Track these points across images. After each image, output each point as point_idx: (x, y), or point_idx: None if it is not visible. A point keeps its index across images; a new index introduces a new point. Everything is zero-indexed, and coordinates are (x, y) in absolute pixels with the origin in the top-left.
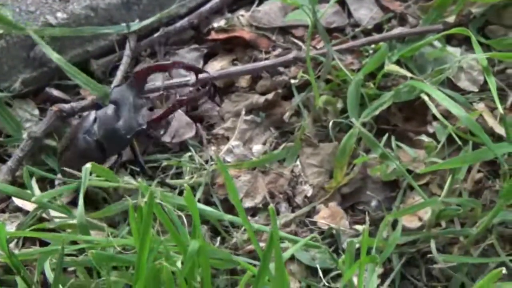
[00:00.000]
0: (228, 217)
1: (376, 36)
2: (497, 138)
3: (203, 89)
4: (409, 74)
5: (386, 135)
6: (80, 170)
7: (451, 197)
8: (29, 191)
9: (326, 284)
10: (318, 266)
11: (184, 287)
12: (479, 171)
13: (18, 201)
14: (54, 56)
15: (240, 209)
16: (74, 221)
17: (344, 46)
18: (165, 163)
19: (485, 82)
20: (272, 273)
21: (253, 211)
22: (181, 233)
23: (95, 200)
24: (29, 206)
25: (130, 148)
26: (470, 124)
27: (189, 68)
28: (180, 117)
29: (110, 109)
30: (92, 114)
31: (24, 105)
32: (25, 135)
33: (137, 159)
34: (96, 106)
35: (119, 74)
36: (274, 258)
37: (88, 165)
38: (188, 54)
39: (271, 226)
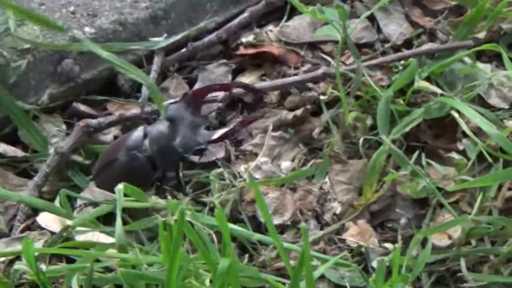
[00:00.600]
0: (258, 236)
1: (406, 52)
2: None
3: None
4: (439, 91)
5: (416, 152)
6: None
7: (481, 215)
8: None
9: None
10: (347, 285)
11: None
12: (509, 189)
13: (42, 222)
14: (105, 54)
15: (271, 227)
16: (100, 239)
17: (373, 62)
18: (194, 180)
19: None
20: None
21: (281, 228)
22: (211, 251)
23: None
24: (53, 226)
25: None
26: (502, 141)
27: (248, 88)
28: None
29: (163, 126)
30: (140, 131)
31: (51, 120)
32: (51, 151)
33: (178, 177)
34: (144, 118)
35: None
36: (304, 277)
37: (121, 186)
38: (217, 69)
39: (301, 244)
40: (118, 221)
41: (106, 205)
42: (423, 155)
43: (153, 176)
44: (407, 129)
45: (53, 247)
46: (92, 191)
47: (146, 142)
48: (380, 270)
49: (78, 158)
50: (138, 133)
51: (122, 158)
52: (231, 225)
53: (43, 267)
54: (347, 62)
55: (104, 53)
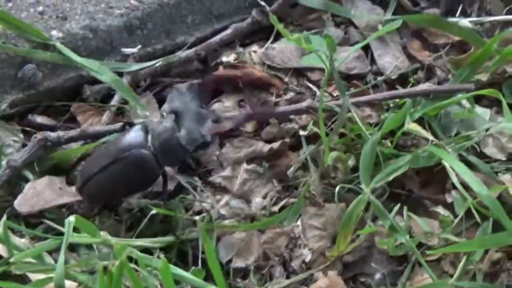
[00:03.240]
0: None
1: (400, 91)
2: None
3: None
4: (430, 137)
5: (398, 205)
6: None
7: (464, 280)
8: None
9: None
10: None
11: None
12: (497, 251)
13: None
14: (79, 59)
15: (221, 281)
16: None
17: (363, 98)
18: (154, 211)
19: None
20: None
21: (244, 273)
22: None
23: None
24: None
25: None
26: (492, 204)
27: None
28: None
29: (167, 120)
30: (137, 129)
31: (8, 128)
32: (3, 163)
33: (165, 187)
34: (123, 127)
35: (114, 103)
36: None
37: (72, 219)
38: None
39: None
40: (61, 259)
41: (52, 240)
42: (405, 208)
43: (159, 175)
44: (391, 177)
45: None
46: None
47: (149, 137)
48: None
49: (29, 175)
50: (136, 131)
51: (122, 159)
52: (182, 272)
53: None
54: (335, 94)
55: (78, 58)
